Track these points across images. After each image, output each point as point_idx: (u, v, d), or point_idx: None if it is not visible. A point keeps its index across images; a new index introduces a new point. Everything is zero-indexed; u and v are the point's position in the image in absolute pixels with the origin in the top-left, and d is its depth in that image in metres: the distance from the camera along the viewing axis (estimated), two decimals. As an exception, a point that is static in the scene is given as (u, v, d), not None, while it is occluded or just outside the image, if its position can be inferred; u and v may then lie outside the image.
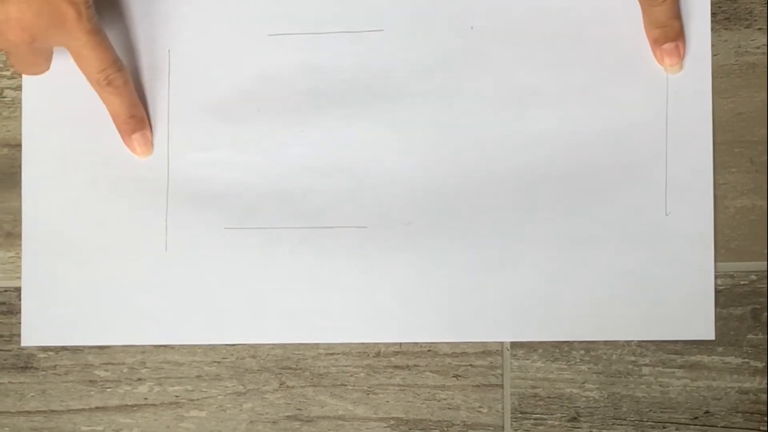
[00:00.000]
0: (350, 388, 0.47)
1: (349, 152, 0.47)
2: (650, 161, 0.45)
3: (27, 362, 0.48)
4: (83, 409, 0.47)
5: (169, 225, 0.47)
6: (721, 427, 0.45)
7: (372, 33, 0.47)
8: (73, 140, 0.47)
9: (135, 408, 0.47)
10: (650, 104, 0.45)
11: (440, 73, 0.46)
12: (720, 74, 0.45)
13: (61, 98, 0.47)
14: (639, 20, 0.45)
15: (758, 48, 0.45)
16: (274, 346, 0.47)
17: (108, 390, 0.47)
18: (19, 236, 0.47)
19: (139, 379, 0.47)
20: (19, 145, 0.48)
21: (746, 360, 0.45)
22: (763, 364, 0.45)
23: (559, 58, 0.46)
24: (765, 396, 0.45)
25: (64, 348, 0.47)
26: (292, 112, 0.47)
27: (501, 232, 0.46)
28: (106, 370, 0.47)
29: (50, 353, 0.47)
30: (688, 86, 0.45)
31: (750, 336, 0.45)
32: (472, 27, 0.46)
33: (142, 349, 0.47)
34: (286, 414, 0.47)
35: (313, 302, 0.46)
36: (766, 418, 0.45)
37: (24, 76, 0.47)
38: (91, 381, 0.47)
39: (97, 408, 0.47)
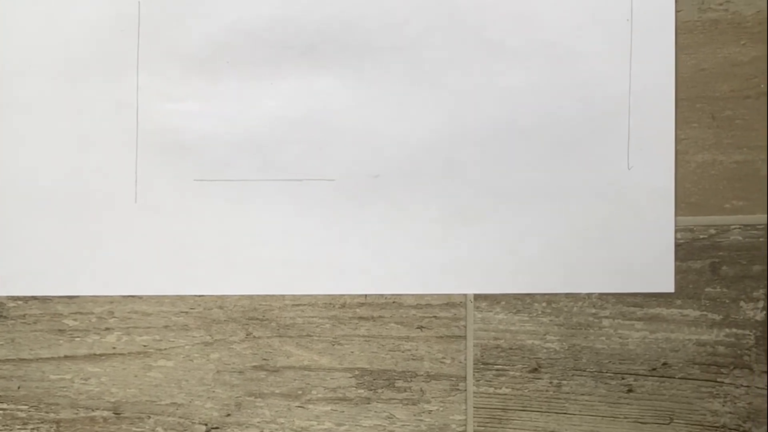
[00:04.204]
0: (316, 338, 0.47)
1: (317, 105, 0.47)
2: (613, 116, 0.46)
3: (-4, 311, 0.48)
4: (52, 358, 0.48)
5: (139, 176, 0.47)
6: (679, 378, 0.46)
7: (341, -13, 0.47)
8: (43, 90, 0.47)
9: (103, 357, 0.48)
10: (614, 60, 0.46)
11: (408, 27, 0.47)
12: (683, 30, 0.46)
13: (32, 48, 0.47)
14: (605, -24, 0.46)
15: (721, 5, 0.46)
16: (241, 297, 0.47)
17: (76, 339, 0.48)
18: (-12, 185, 0.48)
19: (108, 329, 0.48)
20: (-11, 95, 0.48)
21: (704, 312, 0.46)
22: (721, 316, 0.46)
23: (526, 12, 0.46)
24: (722, 348, 0.46)
25: (33, 297, 0.48)
26: (261, 64, 0.47)
27: (466, 186, 0.46)
28: (74, 320, 0.48)
29: (19, 302, 0.48)
30: (652, 42, 0.46)
31: (708, 289, 0.46)
32: (440, -18, 0.47)
33: (111, 299, 0.48)
34: (253, 364, 0.47)
35: (280, 254, 0.47)
36: (722, 370, 0.46)
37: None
38: (60, 330, 0.48)
39: (66, 357, 0.48)
